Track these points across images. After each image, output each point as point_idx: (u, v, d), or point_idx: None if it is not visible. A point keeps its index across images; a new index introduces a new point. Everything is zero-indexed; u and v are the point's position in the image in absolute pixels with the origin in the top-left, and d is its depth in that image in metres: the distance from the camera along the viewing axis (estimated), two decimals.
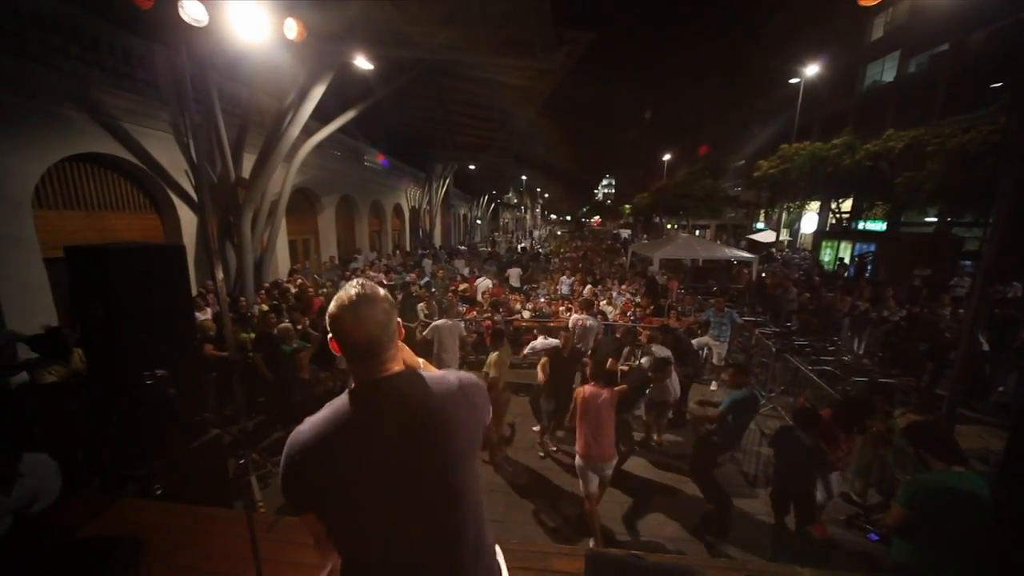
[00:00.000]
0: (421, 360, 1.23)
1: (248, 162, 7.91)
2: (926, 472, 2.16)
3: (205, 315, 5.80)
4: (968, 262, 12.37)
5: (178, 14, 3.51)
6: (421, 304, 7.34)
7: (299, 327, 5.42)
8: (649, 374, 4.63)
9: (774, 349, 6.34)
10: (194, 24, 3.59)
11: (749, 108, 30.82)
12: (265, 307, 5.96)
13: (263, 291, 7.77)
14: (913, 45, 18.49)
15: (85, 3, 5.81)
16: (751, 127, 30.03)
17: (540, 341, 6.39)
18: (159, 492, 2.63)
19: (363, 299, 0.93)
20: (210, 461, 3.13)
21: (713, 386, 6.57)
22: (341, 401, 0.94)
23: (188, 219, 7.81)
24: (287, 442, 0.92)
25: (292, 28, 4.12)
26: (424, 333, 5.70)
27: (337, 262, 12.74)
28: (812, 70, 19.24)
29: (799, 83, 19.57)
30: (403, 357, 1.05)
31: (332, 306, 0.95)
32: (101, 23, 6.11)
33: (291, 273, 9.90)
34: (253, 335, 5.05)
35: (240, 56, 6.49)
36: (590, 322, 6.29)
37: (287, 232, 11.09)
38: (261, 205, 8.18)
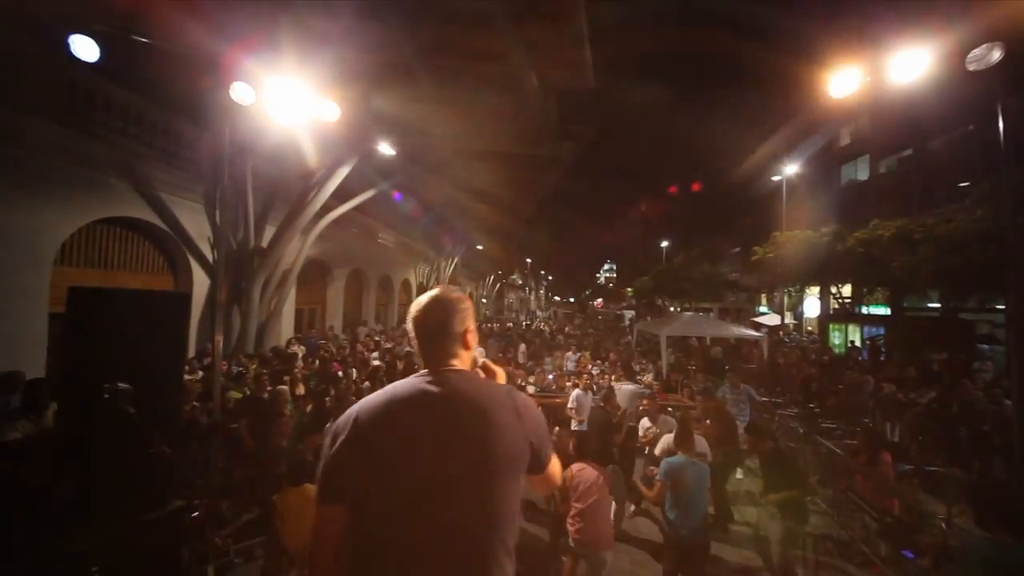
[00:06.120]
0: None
1: (268, 232, 8.34)
2: (997, 549, 1.97)
3: (195, 377, 5.54)
4: (986, 346, 12.03)
5: (228, 96, 4.01)
6: None
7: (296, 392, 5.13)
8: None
9: (801, 431, 5.84)
10: (240, 104, 4.07)
11: (740, 198, 33.11)
12: (254, 367, 5.72)
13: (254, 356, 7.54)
14: (879, 150, 20.52)
15: (145, 90, 6.68)
16: (742, 217, 31.96)
17: None
18: (95, 574, 2.19)
19: (432, 299, 1.12)
20: (164, 540, 2.67)
21: (739, 473, 5.89)
22: (407, 381, 1.04)
23: (201, 282, 7.97)
24: (351, 410, 1.00)
25: (332, 110, 4.64)
26: None
27: (335, 332, 12.62)
28: (791, 169, 21.09)
29: (781, 180, 21.30)
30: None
31: (412, 305, 1.14)
32: (159, 110, 6.99)
33: (292, 342, 9.73)
34: (241, 394, 4.76)
35: (276, 138, 7.25)
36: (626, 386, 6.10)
37: (295, 301, 11.20)
38: (273, 273, 8.40)
